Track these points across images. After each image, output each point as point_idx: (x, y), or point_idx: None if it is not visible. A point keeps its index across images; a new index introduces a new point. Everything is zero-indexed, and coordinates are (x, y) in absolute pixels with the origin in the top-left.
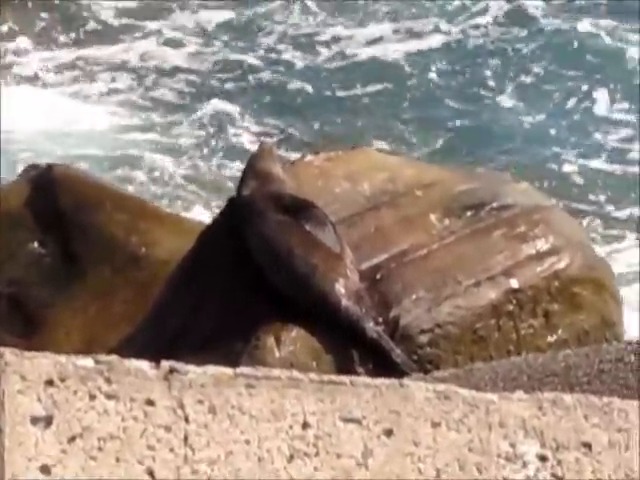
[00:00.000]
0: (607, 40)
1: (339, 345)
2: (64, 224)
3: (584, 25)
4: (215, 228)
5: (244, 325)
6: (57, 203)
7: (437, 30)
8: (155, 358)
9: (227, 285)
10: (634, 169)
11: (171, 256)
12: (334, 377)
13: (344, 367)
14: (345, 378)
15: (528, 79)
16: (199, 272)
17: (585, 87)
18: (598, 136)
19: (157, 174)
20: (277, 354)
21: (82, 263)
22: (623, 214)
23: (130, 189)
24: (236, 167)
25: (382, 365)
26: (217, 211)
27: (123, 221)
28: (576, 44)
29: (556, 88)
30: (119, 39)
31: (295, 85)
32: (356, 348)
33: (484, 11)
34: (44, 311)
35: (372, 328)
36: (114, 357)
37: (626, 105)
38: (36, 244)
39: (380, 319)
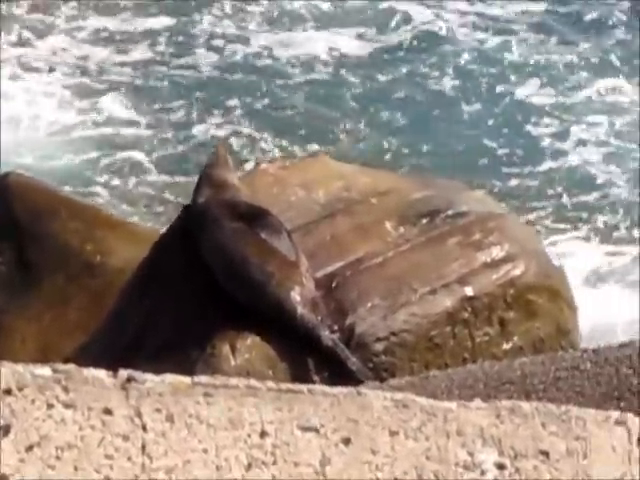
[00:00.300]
0: None
1: (295, 353)
2: (18, 232)
3: None
4: (170, 236)
5: (199, 333)
6: (11, 211)
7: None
8: (111, 366)
9: (182, 293)
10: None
11: (126, 264)
12: (292, 386)
13: (300, 375)
14: (303, 387)
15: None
16: (154, 280)
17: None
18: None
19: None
20: (233, 362)
21: (37, 271)
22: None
23: None
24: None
25: (338, 373)
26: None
27: (78, 229)
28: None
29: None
30: None
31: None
32: (312, 356)
33: None
34: None
35: (328, 336)
36: (72, 366)
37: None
38: None
39: (336, 327)
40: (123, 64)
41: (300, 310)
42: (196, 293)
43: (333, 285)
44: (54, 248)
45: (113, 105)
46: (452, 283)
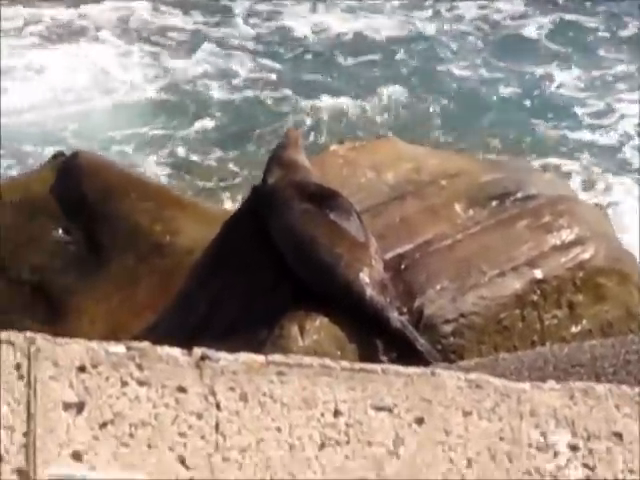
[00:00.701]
0: None
1: (363, 334)
2: (88, 212)
3: None
4: (239, 217)
5: (268, 314)
6: (82, 190)
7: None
8: (180, 346)
9: (251, 274)
10: None
11: (195, 244)
12: (365, 365)
13: (368, 356)
14: (377, 366)
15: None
16: (223, 260)
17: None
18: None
19: None
20: (301, 343)
21: (106, 251)
22: None
23: None
24: None
25: (406, 355)
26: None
27: (147, 209)
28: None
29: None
30: None
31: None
32: (380, 337)
33: None
34: (68, 299)
35: (396, 317)
36: (146, 344)
37: None
38: (60, 231)
39: (404, 309)
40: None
41: (369, 292)
42: (265, 273)
43: (402, 267)
44: (123, 228)
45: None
46: (521, 266)
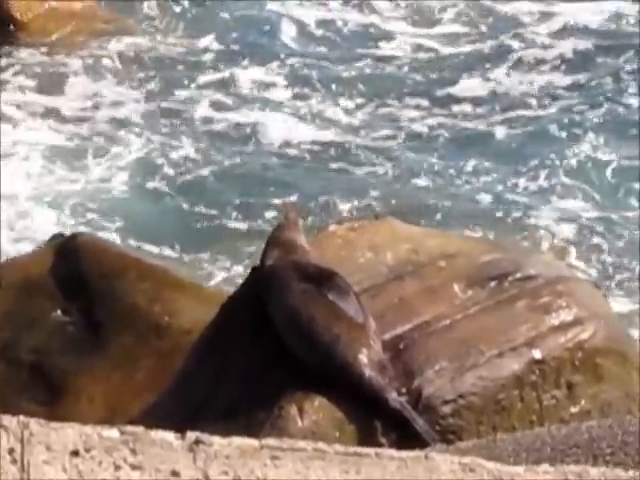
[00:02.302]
0: None
1: (362, 415)
2: (87, 292)
3: None
4: (238, 297)
5: (267, 394)
6: (80, 271)
7: None
8: (178, 428)
9: (250, 355)
10: None
11: (194, 325)
12: (359, 449)
13: (367, 437)
14: (370, 450)
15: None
16: (222, 341)
17: None
18: None
19: None
20: (300, 424)
21: (105, 331)
22: None
23: None
24: None
25: (405, 436)
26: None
27: (146, 290)
28: None
29: None
30: None
31: None
32: (379, 418)
33: None
34: (67, 379)
35: (395, 398)
36: (139, 428)
37: None
38: (59, 312)
39: (403, 389)
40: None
41: (368, 372)
42: (264, 354)
43: (401, 347)
44: (122, 308)
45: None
46: (520, 346)
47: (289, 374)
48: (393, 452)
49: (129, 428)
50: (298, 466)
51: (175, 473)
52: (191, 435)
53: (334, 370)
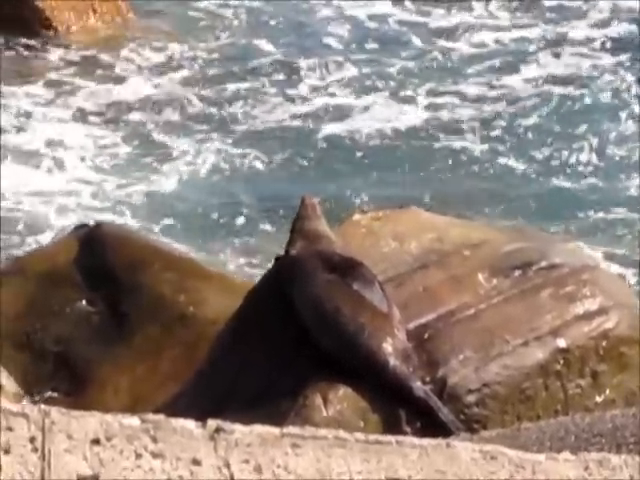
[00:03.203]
0: None
1: (386, 404)
2: (112, 282)
3: None
4: (262, 287)
5: (291, 384)
6: (105, 261)
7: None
8: (203, 417)
9: (274, 344)
10: None
11: (218, 315)
12: (380, 437)
13: (391, 426)
14: (391, 438)
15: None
16: (246, 331)
17: None
18: None
19: None
20: (324, 413)
21: (130, 321)
22: None
23: None
24: None
25: (429, 425)
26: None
27: (171, 280)
28: None
29: None
30: None
31: None
32: (403, 407)
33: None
34: (92, 369)
35: (420, 387)
36: (160, 416)
37: None
38: (84, 302)
39: (428, 378)
40: None
41: (392, 361)
42: (288, 344)
43: (425, 337)
44: (147, 299)
45: None
46: (545, 335)
47: (313, 363)
48: (414, 440)
49: (150, 416)
50: (319, 454)
51: (196, 461)
52: (212, 423)
53: (358, 359)
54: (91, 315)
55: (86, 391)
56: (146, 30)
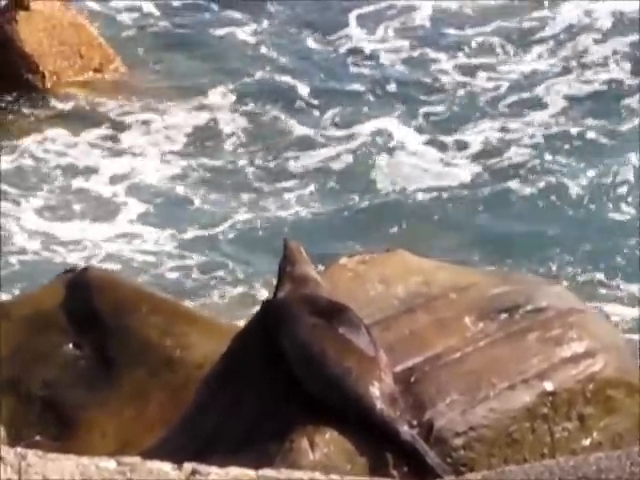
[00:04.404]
0: None
1: (373, 448)
2: (99, 326)
3: None
4: (249, 331)
5: (278, 427)
6: (92, 305)
7: None
8: (189, 460)
9: (261, 388)
10: None
11: (205, 359)
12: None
13: (378, 470)
14: None
15: None
16: (233, 375)
17: None
18: None
19: None
20: (311, 457)
21: (117, 365)
22: None
23: None
24: None
25: (416, 468)
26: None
27: (158, 324)
28: None
29: None
30: None
31: None
32: (390, 451)
33: None
34: (79, 413)
35: (406, 431)
36: (137, 458)
37: None
38: (70, 346)
39: (414, 422)
40: None
41: (379, 405)
42: (275, 387)
43: (412, 380)
44: (134, 343)
45: None
46: (531, 378)
47: (300, 407)
48: None
49: (126, 459)
50: None
51: None
52: (188, 466)
53: (345, 403)
54: (78, 359)
55: (73, 435)
56: (138, 81)
